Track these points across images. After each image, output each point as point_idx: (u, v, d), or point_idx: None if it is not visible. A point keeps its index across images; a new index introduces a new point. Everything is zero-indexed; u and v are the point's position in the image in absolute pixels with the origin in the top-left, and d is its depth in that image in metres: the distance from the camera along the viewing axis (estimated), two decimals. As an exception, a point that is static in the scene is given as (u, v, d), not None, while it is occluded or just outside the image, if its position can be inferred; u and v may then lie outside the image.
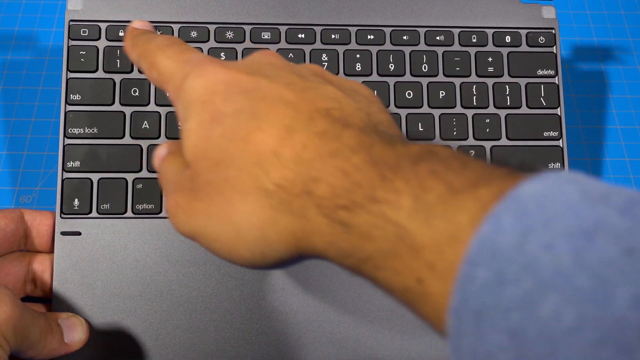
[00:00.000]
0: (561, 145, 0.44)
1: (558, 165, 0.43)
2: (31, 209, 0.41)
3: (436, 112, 0.44)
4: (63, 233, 0.40)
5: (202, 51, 0.43)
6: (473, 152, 0.43)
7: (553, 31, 0.45)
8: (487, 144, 0.43)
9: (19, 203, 0.46)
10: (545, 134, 0.44)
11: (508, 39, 0.45)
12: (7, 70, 0.51)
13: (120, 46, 0.43)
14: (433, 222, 0.21)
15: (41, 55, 0.52)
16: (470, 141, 0.43)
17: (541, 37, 0.45)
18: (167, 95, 0.30)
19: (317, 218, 0.24)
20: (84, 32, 0.43)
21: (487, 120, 0.44)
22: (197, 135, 0.27)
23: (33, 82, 0.50)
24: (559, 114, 0.44)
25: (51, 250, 0.40)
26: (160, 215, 0.41)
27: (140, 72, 0.43)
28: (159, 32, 0.43)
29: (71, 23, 0.43)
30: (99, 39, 0.43)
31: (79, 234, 0.40)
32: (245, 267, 0.27)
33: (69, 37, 0.43)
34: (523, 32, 0.45)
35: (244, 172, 0.25)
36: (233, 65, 0.28)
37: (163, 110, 0.42)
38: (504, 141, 0.43)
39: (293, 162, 0.24)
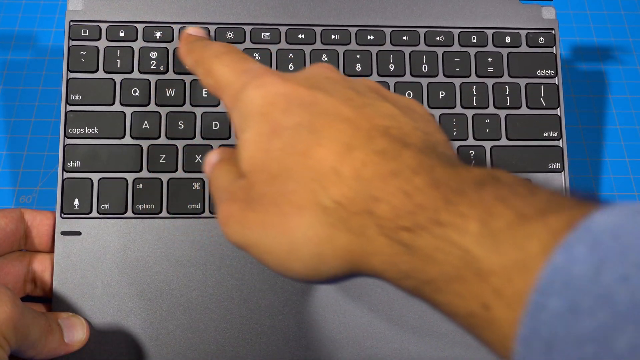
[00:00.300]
0: (561, 146, 0.44)
1: (558, 165, 0.43)
2: (31, 208, 0.41)
3: (436, 112, 0.44)
4: (63, 233, 0.40)
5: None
6: (473, 152, 0.43)
7: (553, 32, 0.45)
8: (487, 144, 0.43)
9: (19, 203, 0.46)
10: (545, 134, 0.44)
11: (508, 39, 0.45)
12: (7, 71, 0.51)
13: (120, 46, 0.43)
14: (501, 248, 0.21)
15: (41, 55, 0.52)
16: (470, 141, 0.43)
17: (541, 38, 0.45)
18: (222, 102, 0.30)
19: (377, 238, 0.24)
20: (85, 32, 0.43)
21: (487, 121, 0.44)
22: (255, 147, 0.27)
23: (33, 82, 0.50)
24: (559, 114, 0.44)
25: (51, 250, 0.40)
26: (160, 215, 0.41)
27: (140, 72, 0.43)
28: (159, 33, 0.43)
29: (72, 23, 0.43)
30: (99, 39, 0.43)
31: (79, 233, 0.40)
32: (295, 280, 0.27)
33: (69, 38, 0.43)
34: (523, 33, 0.45)
35: (302, 187, 0.25)
36: (291, 78, 0.28)
37: (163, 111, 0.42)
38: (503, 141, 0.44)
39: (352, 179, 0.24)
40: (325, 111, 0.26)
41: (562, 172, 0.43)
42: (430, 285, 0.23)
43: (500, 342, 0.21)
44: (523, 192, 0.22)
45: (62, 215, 0.40)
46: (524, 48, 0.45)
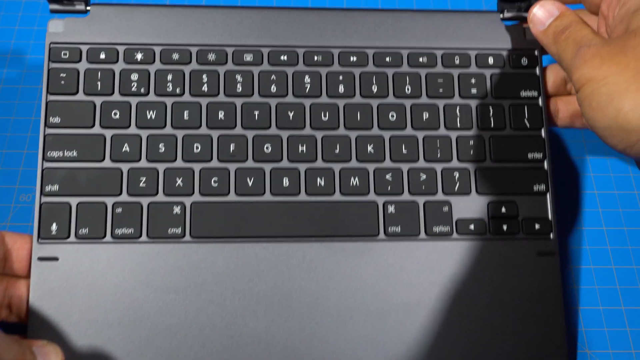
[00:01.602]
0: (545, 168, 0.43)
1: (543, 187, 0.43)
2: (11, 231, 0.40)
3: (420, 134, 0.43)
4: (40, 259, 0.39)
5: (184, 74, 0.43)
6: (458, 174, 0.43)
7: (535, 52, 0.45)
8: (472, 166, 0.43)
9: (19, 201, 0.46)
10: (530, 155, 0.43)
11: (491, 60, 0.45)
12: (7, 69, 0.51)
13: (101, 68, 0.43)
14: None
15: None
16: (455, 163, 0.43)
17: (524, 59, 0.45)
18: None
19: None
20: (65, 54, 0.43)
21: (471, 142, 0.43)
22: None
23: (32, 81, 0.50)
24: (543, 135, 0.44)
25: (29, 276, 0.40)
26: (139, 240, 0.40)
27: (121, 94, 0.42)
28: (140, 54, 0.43)
29: (52, 45, 0.43)
30: (79, 61, 0.43)
31: (56, 259, 0.39)
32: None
33: (49, 60, 0.43)
34: (505, 54, 0.45)
35: None
36: None
37: (144, 133, 0.42)
38: (488, 163, 0.43)
39: None
40: None
41: (547, 194, 0.43)
42: None
43: None
44: None
45: (39, 240, 0.40)
46: (507, 69, 0.45)
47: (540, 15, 0.41)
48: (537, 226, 0.42)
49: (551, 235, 0.42)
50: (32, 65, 0.51)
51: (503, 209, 0.42)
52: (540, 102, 0.44)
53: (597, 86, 0.34)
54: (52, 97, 0.42)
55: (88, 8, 0.44)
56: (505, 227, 0.42)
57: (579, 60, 0.36)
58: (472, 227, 0.42)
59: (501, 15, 0.46)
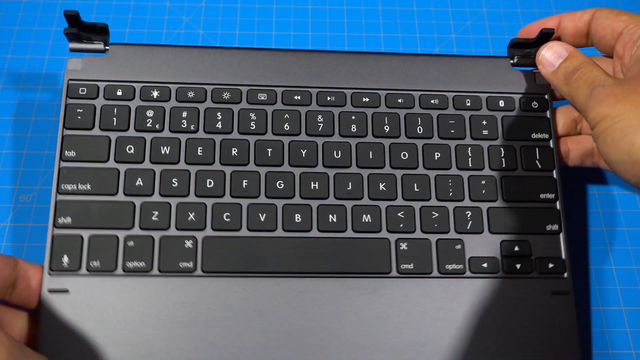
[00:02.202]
0: (558, 208, 0.43)
1: (556, 227, 0.43)
2: (25, 260, 0.40)
3: (432, 174, 0.44)
4: (50, 290, 0.39)
5: (199, 111, 0.44)
6: (470, 213, 0.43)
7: (546, 96, 0.46)
8: (484, 206, 0.43)
9: (18, 202, 0.46)
10: (542, 196, 0.44)
11: (502, 103, 0.46)
12: (7, 69, 0.52)
13: (117, 105, 0.43)
14: None
15: (41, 54, 0.53)
16: (467, 202, 0.43)
17: (534, 102, 0.46)
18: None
19: None
20: (82, 90, 0.43)
21: (483, 182, 0.44)
22: None
23: (33, 81, 0.51)
24: (555, 176, 0.44)
25: (37, 306, 0.39)
26: (150, 273, 0.40)
27: (136, 130, 0.43)
28: (156, 92, 0.44)
29: (70, 82, 0.44)
30: (96, 97, 0.43)
31: (66, 291, 0.39)
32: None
33: (67, 96, 0.43)
34: (516, 97, 0.46)
35: None
36: None
37: (157, 168, 0.42)
38: (500, 203, 0.43)
39: None
40: None
41: (560, 234, 0.43)
42: None
43: None
44: None
45: (50, 272, 0.39)
46: (517, 112, 0.46)
47: (548, 57, 0.42)
48: (550, 265, 0.42)
49: (565, 275, 0.42)
50: (30, 65, 0.53)
51: (516, 248, 0.42)
52: (551, 144, 0.45)
53: (612, 123, 0.36)
54: (68, 132, 0.42)
55: (107, 47, 0.45)
56: (518, 266, 0.42)
57: (594, 99, 0.37)
58: (485, 265, 0.42)
59: (511, 61, 0.47)
